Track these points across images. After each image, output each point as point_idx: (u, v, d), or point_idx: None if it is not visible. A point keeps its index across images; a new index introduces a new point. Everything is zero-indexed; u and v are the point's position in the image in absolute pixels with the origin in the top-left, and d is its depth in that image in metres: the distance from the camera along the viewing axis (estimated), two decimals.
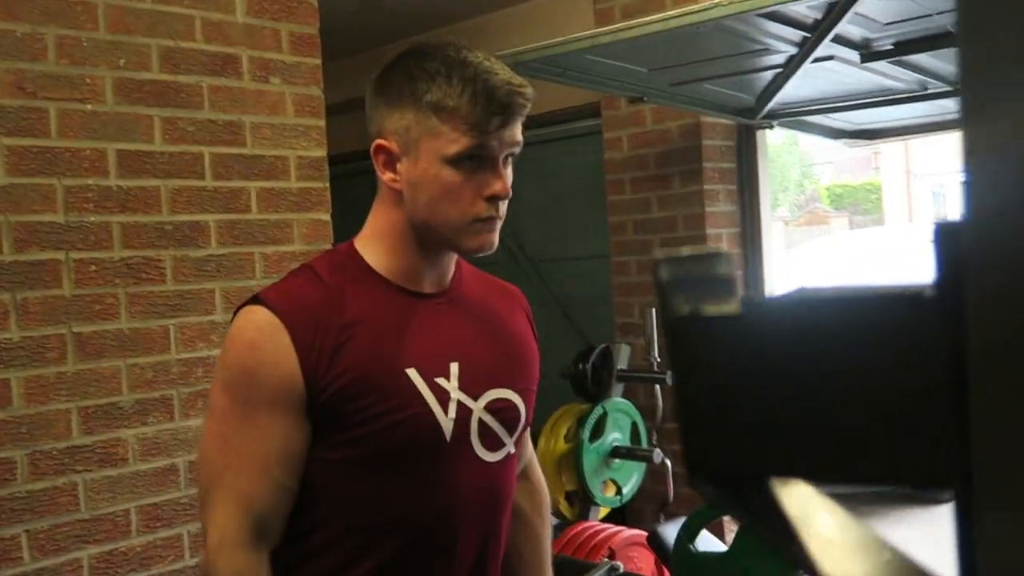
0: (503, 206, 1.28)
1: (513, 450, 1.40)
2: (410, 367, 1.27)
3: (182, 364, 2.37)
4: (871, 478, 0.33)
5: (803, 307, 0.35)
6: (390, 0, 4.48)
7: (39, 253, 2.14)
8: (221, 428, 1.26)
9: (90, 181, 2.22)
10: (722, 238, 3.81)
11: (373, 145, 1.30)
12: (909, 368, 0.31)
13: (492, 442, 1.35)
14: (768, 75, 3.16)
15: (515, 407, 1.39)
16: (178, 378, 2.35)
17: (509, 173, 1.30)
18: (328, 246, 2.66)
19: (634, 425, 3.63)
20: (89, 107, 2.22)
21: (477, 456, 1.33)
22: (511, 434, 1.38)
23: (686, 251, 0.40)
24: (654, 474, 3.84)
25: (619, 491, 3.55)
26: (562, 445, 3.46)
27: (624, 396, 3.75)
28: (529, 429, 1.56)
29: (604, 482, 3.52)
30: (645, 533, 3.12)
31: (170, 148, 2.36)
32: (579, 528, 3.24)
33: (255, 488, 1.24)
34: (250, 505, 1.24)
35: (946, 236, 0.31)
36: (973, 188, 0.30)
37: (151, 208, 2.32)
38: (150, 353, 2.31)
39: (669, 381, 3.54)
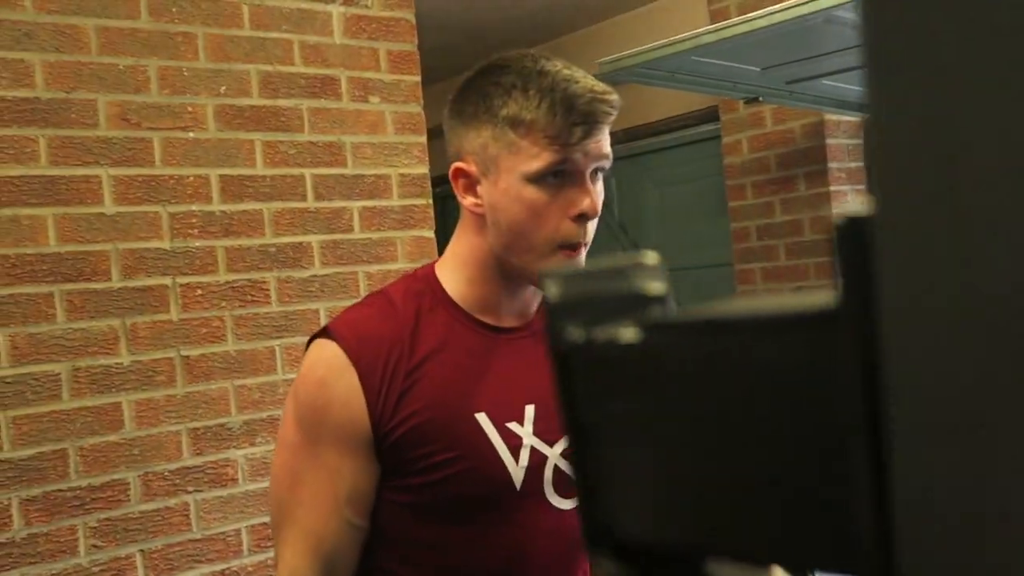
0: (591, 228, 1.17)
1: None
2: (480, 411, 1.19)
3: (288, 384, 2.38)
4: (764, 559, 0.25)
5: (707, 330, 0.28)
6: (492, 23, 4.46)
7: (146, 279, 2.19)
8: (292, 463, 1.22)
9: (194, 207, 2.26)
10: None
11: (452, 168, 1.22)
12: (803, 414, 0.23)
13: (567, 489, 1.25)
14: None
15: None
16: (285, 398, 2.37)
17: (599, 190, 1.19)
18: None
19: None
20: (191, 135, 2.26)
21: (550, 504, 1.24)
22: None
23: (589, 264, 0.33)
24: None
25: None
26: None
27: None
28: None
29: None
30: None
31: (271, 171, 2.39)
32: None
33: (325, 527, 1.19)
34: (320, 544, 1.20)
35: (849, 235, 0.23)
36: (881, 169, 0.22)
37: (254, 231, 2.35)
38: (257, 374, 2.34)
39: None
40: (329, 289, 2.46)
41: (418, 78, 2.65)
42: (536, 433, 1.22)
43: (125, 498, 2.15)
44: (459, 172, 1.21)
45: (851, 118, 3.56)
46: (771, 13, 2.36)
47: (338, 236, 2.48)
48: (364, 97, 2.55)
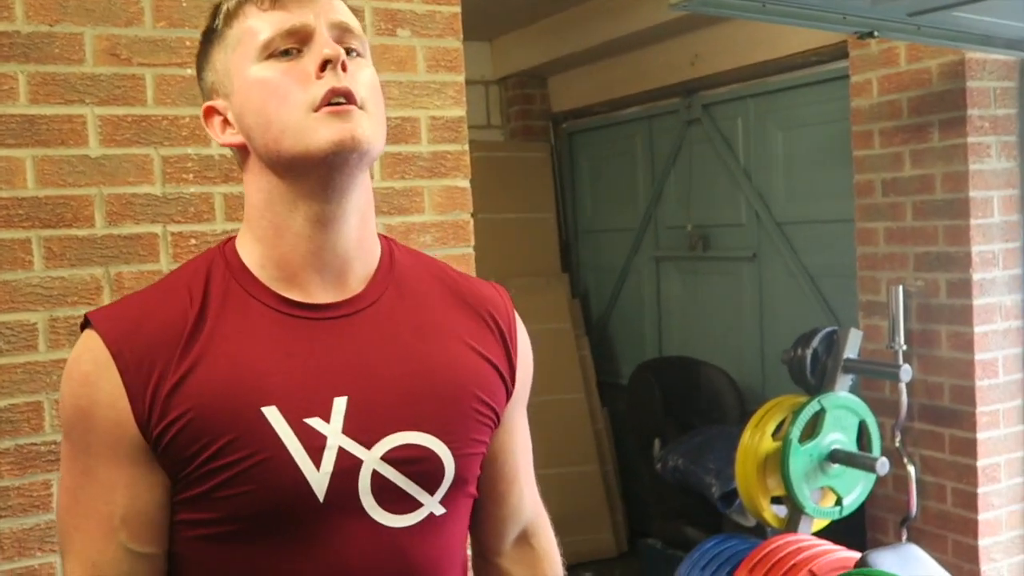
0: (347, 78, 0.98)
1: (443, 510, 1.06)
2: (268, 405, 0.98)
3: None
4: None
5: None
6: None
7: (134, 227, 2.06)
8: (67, 481, 1.03)
9: (190, 150, 2.11)
10: (992, 203, 3.10)
11: (202, 112, 1.07)
12: None
13: (398, 502, 1.02)
14: None
15: (433, 457, 1.04)
16: None
17: (360, 76, 1.01)
18: (466, 216, 2.40)
19: (863, 425, 3.06)
20: (189, 72, 2.09)
21: (373, 520, 1.01)
22: (431, 491, 1.04)
23: None
24: (898, 480, 3.27)
25: (839, 501, 3.02)
26: (769, 443, 2.99)
27: (858, 390, 3.20)
28: (525, 483, 1.22)
29: (820, 490, 3.00)
30: (856, 556, 2.61)
31: None
32: (777, 543, 2.77)
33: (101, 555, 1.00)
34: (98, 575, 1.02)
35: None
36: None
37: None
38: None
39: (902, 376, 2.95)
40: None
41: (457, 9, 2.38)
42: (348, 431, 0.99)
43: None
44: (210, 112, 1.06)
45: (1001, 56, 3.02)
46: None
47: None
48: (392, 30, 2.31)
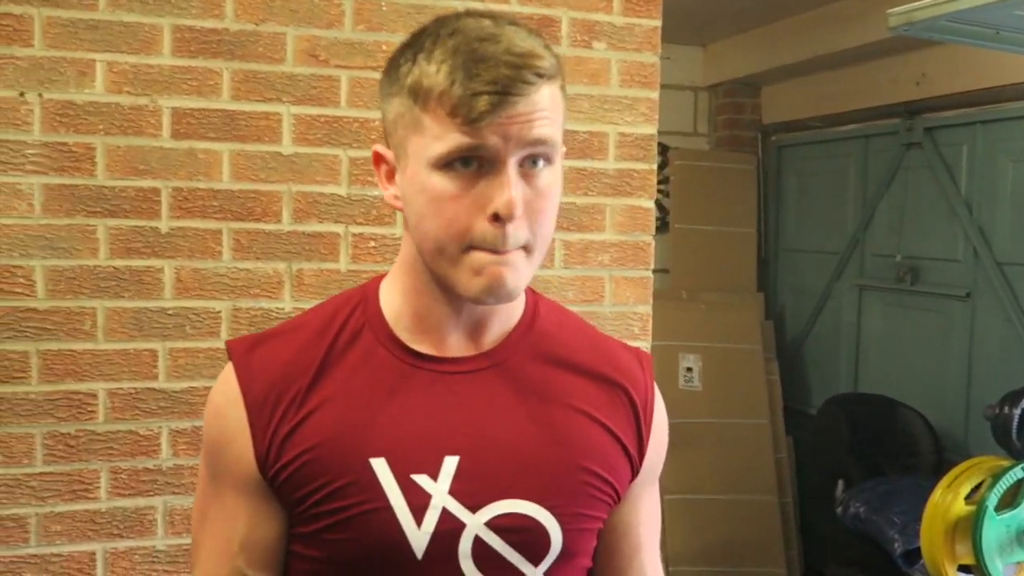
0: (518, 233, 0.91)
1: None
2: (378, 457, 0.95)
3: None
4: None
5: None
6: None
7: (318, 225, 2.11)
8: (200, 498, 1.07)
9: None
10: None
11: (372, 153, 1.02)
12: None
13: (499, 570, 0.97)
14: None
15: (539, 529, 0.98)
16: None
17: (542, 184, 0.93)
18: (647, 238, 2.32)
19: None
20: None
21: None
22: (535, 562, 0.99)
23: None
24: None
25: None
26: (961, 506, 2.74)
27: None
28: (647, 560, 1.14)
29: (1014, 565, 2.73)
30: None
31: None
32: None
33: (220, 574, 1.02)
34: None
35: None
36: None
37: None
38: None
39: None
40: None
41: (658, 23, 2.30)
42: (454, 493, 0.95)
43: None
44: (378, 158, 1.01)
45: None
46: None
47: None
48: (587, 42, 2.25)
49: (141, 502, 2.02)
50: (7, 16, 1.91)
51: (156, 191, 2.00)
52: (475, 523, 0.96)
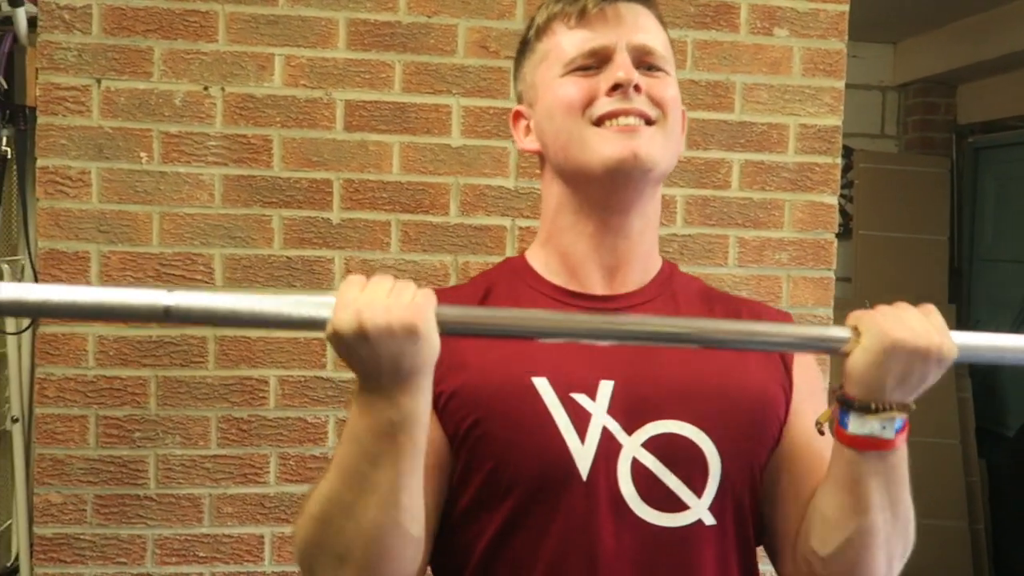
0: (640, 102, 1.00)
1: (713, 520, 0.97)
2: (539, 376, 0.97)
3: None
4: None
5: None
6: None
7: (485, 218, 2.09)
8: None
9: None
10: None
11: (511, 116, 1.13)
12: None
13: (661, 499, 0.96)
14: None
15: (695, 449, 0.97)
16: None
17: (657, 83, 1.02)
18: (830, 236, 2.18)
19: None
20: None
21: (635, 515, 0.95)
22: (697, 491, 0.96)
23: None
24: None
25: None
26: None
27: None
28: None
29: None
30: None
31: None
32: None
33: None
34: None
35: None
36: None
37: None
38: None
39: None
40: (691, 252, 2.14)
41: (845, 7, 2.16)
42: (611, 413, 0.97)
43: None
44: (517, 116, 1.12)
45: None
46: None
47: (709, 192, 2.14)
48: (768, 29, 2.14)
49: (308, 489, 2.05)
50: (194, 13, 1.98)
51: (328, 183, 2.03)
52: (632, 444, 0.97)
